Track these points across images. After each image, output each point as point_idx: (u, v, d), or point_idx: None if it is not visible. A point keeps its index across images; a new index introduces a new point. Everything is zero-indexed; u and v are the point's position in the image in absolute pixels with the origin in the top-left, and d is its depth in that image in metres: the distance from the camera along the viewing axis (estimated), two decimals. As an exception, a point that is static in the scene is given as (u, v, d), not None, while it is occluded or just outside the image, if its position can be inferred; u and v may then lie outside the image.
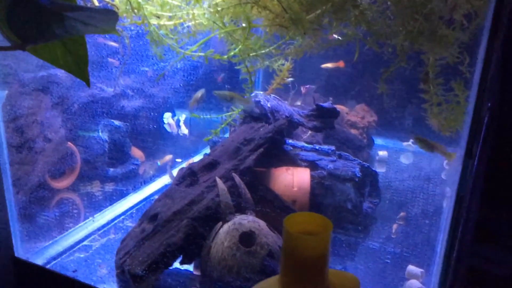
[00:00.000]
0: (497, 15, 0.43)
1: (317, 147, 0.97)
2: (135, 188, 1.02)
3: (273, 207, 0.81)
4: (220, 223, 0.73)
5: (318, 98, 1.25)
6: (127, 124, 1.06)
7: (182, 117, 1.11)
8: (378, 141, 1.32)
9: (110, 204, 0.97)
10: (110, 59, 0.94)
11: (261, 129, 0.88)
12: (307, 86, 1.30)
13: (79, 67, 0.59)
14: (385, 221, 0.96)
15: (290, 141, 0.97)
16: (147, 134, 1.11)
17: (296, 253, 0.40)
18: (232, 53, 0.68)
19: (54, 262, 0.81)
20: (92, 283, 0.75)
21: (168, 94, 1.12)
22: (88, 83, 0.59)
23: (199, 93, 0.96)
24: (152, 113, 1.11)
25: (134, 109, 1.08)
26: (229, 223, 0.72)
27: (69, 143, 0.96)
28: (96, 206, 0.96)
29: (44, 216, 0.90)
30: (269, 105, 0.94)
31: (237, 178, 0.78)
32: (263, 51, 0.67)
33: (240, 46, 0.65)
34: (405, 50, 0.58)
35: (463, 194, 0.53)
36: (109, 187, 1.01)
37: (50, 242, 0.85)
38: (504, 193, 0.48)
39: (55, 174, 0.94)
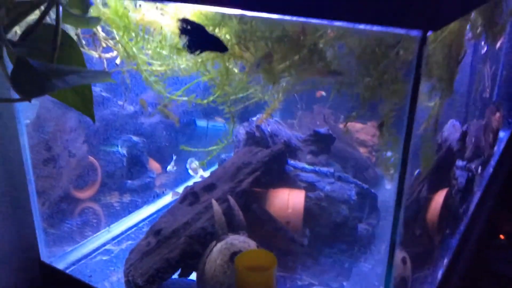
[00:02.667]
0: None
1: (316, 169, 1.03)
2: (147, 202, 1.12)
3: (266, 228, 0.88)
4: (214, 242, 0.81)
5: (329, 116, 1.30)
6: (145, 139, 1.16)
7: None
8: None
9: (126, 215, 1.07)
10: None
11: (259, 153, 0.95)
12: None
13: (85, 106, 0.68)
14: (381, 242, 1.01)
15: (292, 161, 1.03)
16: (164, 148, 1.21)
17: (245, 286, 0.47)
18: (211, 98, 0.76)
19: (73, 267, 0.92)
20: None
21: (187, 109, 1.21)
22: (93, 120, 0.68)
23: None
24: (169, 129, 1.21)
25: (152, 126, 1.18)
26: (222, 242, 0.80)
27: (90, 157, 1.06)
28: (114, 216, 1.06)
29: (67, 224, 1.00)
30: (269, 129, 1.01)
31: (231, 201, 0.85)
32: (241, 95, 0.75)
33: (218, 92, 0.73)
34: (366, 99, 0.64)
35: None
36: (127, 198, 1.11)
37: (71, 248, 0.96)
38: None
39: (79, 186, 1.05)
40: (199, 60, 0.70)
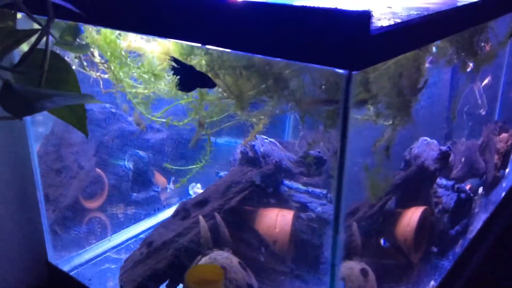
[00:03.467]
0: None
1: (309, 190, 1.07)
2: (149, 214, 1.21)
3: (252, 246, 0.95)
4: (200, 256, 0.89)
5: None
6: (150, 154, 1.25)
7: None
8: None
9: (128, 226, 1.17)
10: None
11: (249, 173, 1.03)
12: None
13: (79, 122, 0.75)
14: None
15: (287, 182, 1.07)
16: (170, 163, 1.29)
17: None
18: (186, 121, 0.85)
19: (76, 270, 1.03)
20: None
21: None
22: (87, 136, 0.76)
23: None
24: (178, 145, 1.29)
25: (158, 142, 1.27)
26: (206, 257, 0.87)
27: (98, 170, 1.17)
28: (117, 226, 1.16)
29: (74, 230, 1.11)
30: (262, 150, 1.09)
31: (218, 218, 0.93)
32: (215, 118, 0.83)
33: (191, 115, 0.82)
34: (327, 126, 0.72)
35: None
36: (131, 210, 1.21)
37: (76, 253, 1.06)
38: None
39: (87, 196, 1.15)
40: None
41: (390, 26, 0.53)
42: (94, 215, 1.17)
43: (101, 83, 0.94)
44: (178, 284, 0.92)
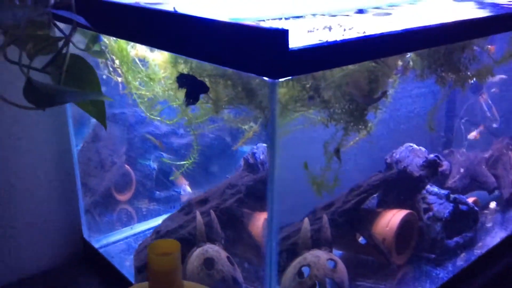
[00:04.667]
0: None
1: (436, 191, 1.21)
2: (167, 211, 1.35)
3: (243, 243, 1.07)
4: (195, 247, 1.02)
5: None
6: (173, 157, 1.42)
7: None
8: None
9: (149, 219, 1.34)
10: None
11: (245, 178, 1.16)
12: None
13: (100, 117, 0.90)
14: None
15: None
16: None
17: (154, 268, 0.70)
18: (175, 120, 1.00)
19: (104, 248, 1.23)
20: (118, 267, 1.14)
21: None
22: (105, 128, 0.90)
23: None
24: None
25: (181, 146, 1.44)
26: (200, 249, 1.00)
27: (127, 167, 1.35)
28: (140, 218, 1.34)
29: (105, 216, 1.30)
30: (261, 157, 1.21)
31: (212, 215, 1.05)
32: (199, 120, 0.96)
33: (179, 116, 0.96)
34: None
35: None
36: (153, 206, 1.39)
37: (105, 234, 1.26)
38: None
39: (118, 189, 1.34)
40: (167, 89, 0.94)
41: (309, 45, 0.63)
42: (122, 207, 1.36)
43: (120, 85, 1.10)
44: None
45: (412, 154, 1.23)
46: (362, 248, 1.15)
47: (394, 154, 1.23)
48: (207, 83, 0.83)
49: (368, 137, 1.08)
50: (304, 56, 0.63)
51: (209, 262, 0.98)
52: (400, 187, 1.19)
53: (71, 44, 0.92)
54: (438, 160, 1.22)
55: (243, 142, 1.07)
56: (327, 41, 0.67)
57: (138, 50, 1.00)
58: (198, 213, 1.07)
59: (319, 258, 0.95)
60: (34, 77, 0.86)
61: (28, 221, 1.17)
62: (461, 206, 1.27)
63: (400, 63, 0.95)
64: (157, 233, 1.11)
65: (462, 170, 1.41)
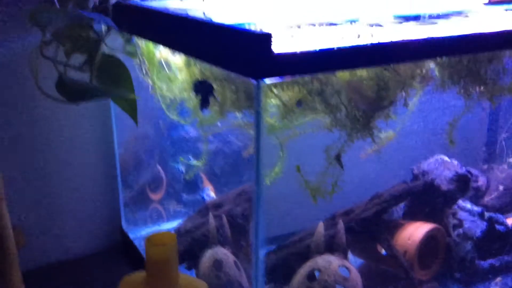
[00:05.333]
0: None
1: (469, 207, 1.16)
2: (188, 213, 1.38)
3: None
4: (208, 249, 1.04)
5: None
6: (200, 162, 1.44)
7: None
8: None
9: (175, 220, 1.36)
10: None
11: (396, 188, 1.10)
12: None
13: (132, 111, 0.98)
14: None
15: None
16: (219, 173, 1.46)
17: (151, 257, 0.71)
18: (189, 121, 1.02)
19: (139, 240, 1.27)
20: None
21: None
22: (136, 124, 0.98)
23: None
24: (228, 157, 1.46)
25: (207, 152, 1.45)
26: (211, 250, 1.02)
27: (160, 169, 1.39)
28: (168, 217, 1.38)
29: (141, 211, 1.35)
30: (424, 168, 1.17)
31: (224, 219, 1.06)
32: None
33: (193, 116, 0.99)
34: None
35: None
36: (180, 207, 1.41)
37: (139, 228, 1.32)
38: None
39: (152, 189, 1.38)
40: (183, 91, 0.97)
41: (295, 51, 0.64)
42: (154, 205, 1.40)
43: (150, 86, 1.14)
44: (193, 268, 1.09)
45: (442, 166, 1.18)
46: (383, 259, 1.10)
47: (421, 165, 1.18)
48: (214, 86, 0.85)
49: (394, 146, 1.07)
50: (289, 60, 0.64)
51: (218, 264, 0.99)
52: (427, 200, 1.14)
53: (108, 45, 0.99)
54: (469, 175, 1.16)
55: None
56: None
57: (162, 52, 1.04)
58: (211, 216, 1.08)
59: (331, 263, 0.93)
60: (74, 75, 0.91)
61: (74, 208, 1.26)
62: (497, 226, 1.19)
63: (418, 71, 0.92)
64: (177, 230, 1.14)
65: (501, 187, 1.33)
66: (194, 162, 1.14)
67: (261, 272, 0.73)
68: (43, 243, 1.23)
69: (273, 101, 0.82)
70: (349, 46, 0.67)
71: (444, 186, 1.14)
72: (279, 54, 0.61)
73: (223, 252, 1.01)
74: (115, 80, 0.99)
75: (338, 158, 0.87)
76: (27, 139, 1.16)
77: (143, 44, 1.07)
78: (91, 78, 0.97)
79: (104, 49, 0.98)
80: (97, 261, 1.28)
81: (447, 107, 1.17)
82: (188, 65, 0.93)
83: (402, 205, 1.18)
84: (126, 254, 1.29)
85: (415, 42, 0.73)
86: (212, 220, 1.05)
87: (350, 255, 1.04)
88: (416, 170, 1.18)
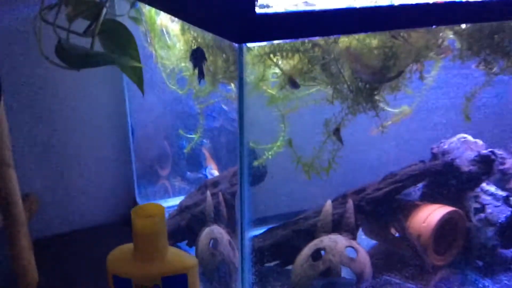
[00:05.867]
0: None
1: (493, 191, 1.06)
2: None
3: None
4: (205, 227, 1.00)
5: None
6: (204, 140, 1.38)
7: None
8: None
9: (179, 196, 1.32)
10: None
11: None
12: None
13: (139, 82, 0.94)
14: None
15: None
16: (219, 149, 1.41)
17: (137, 230, 0.66)
18: (185, 90, 0.96)
19: None
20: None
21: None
22: (143, 93, 0.93)
23: None
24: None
25: (211, 129, 1.40)
26: (207, 228, 0.98)
27: (165, 142, 1.34)
28: (173, 192, 1.35)
29: (150, 186, 1.34)
30: (445, 147, 1.06)
31: (220, 197, 1.00)
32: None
33: (188, 86, 0.92)
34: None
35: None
36: (184, 184, 1.37)
37: (150, 200, 1.30)
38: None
39: (161, 165, 1.36)
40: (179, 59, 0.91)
41: (281, 11, 0.58)
42: (162, 181, 1.39)
43: (154, 55, 1.09)
44: (192, 247, 1.03)
45: (464, 146, 1.09)
46: (397, 241, 1.03)
47: (442, 144, 1.09)
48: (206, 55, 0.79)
49: (414, 123, 0.99)
50: (274, 22, 0.58)
51: (215, 242, 0.95)
52: (446, 181, 1.06)
53: (114, 11, 0.93)
54: (493, 156, 1.07)
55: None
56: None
57: (163, 19, 0.98)
58: (208, 195, 1.03)
59: (337, 243, 0.87)
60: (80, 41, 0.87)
61: (88, 178, 1.27)
62: (519, 211, 1.10)
63: (433, 41, 0.83)
64: (180, 205, 1.10)
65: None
66: (191, 136, 1.07)
67: (248, 256, 0.67)
68: (57, 211, 1.24)
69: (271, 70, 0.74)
70: (343, 8, 0.61)
71: (465, 167, 1.05)
72: (262, 15, 0.55)
73: (219, 231, 0.96)
74: (119, 46, 0.95)
75: (337, 132, 0.79)
76: (39, 109, 1.16)
77: (146, 10, 1.01)
78: (92, 43, 0.92)
79: (110, 15, 0.93)
80: (111, 232, 1.28)
81: (471, 81, 1.08)
82: (183, 31, 0.87)
83: (420, 186, 1.09)
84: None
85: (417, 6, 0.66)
86: (209, 199, 1.00)
87: (362, 236, 0.98)
88: (435, 149, 1.09)
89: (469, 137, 1.11)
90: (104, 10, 0.90)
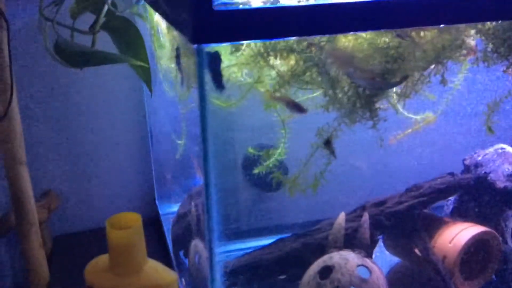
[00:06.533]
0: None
1: None
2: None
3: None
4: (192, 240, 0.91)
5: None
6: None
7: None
8: None
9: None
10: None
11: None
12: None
13: (147, 80, 0.92)
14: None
15: None
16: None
17: (112, 241, 0.60)
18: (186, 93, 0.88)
19: (166, 216, 1.22)
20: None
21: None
22: (151, 91, 0.91)
23: None
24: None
25: (192, 135, 1.34)
26: (194, 241, 0.88)
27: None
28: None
29: (164, 188, 1.29)
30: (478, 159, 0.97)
31: (200, 209, 0.91)
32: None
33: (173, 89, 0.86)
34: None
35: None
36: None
37: (166, 202, 1.26)
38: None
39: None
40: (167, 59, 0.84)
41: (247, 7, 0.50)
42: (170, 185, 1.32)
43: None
44: (186, 257, 0.96)
45: (501, 158, 0.97)
46: (422, 261, 0.92)
47: (476, 155, 0.98)
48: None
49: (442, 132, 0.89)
50: (237, 19, 0.49)
51: (199, 256, 0.85)
52: (479, 197, 0.94)
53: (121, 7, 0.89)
54: (535, 168, 0.95)
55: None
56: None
57: (157, 16, 0.92)
58: (193, 205, 0.93)
59: (348, 261, 0.77)
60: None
61: (109, 178, 1.27)
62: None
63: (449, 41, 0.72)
64: (177, 214, 1.02)
65: None
66: (180, 141, 1.01)
67: (217, 275, 0.59)
68: (77, 210, 1.25)
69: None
70: (322, 4, 0.52)
71: (501, 183, 0.93)
72: (221, 11, 0.47)
73: (201, 246, 0.88)
74: (127, 44, 0.90)
75: (328, 143, 0.69)
76: (60, 108, 1.18)
77: (148, 6, 0.96)
78: (93, 41, 0.88)
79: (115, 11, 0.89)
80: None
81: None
82: (168, 29, 0.80)
83: (451, 199, 0.99)
84: (156, 229, 1.25)
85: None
86: (193, 210, 0.93)
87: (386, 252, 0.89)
88: (468, 161, 0.97)
89: (509, 148, 0.99)
90: (106, 7, 0.85)
